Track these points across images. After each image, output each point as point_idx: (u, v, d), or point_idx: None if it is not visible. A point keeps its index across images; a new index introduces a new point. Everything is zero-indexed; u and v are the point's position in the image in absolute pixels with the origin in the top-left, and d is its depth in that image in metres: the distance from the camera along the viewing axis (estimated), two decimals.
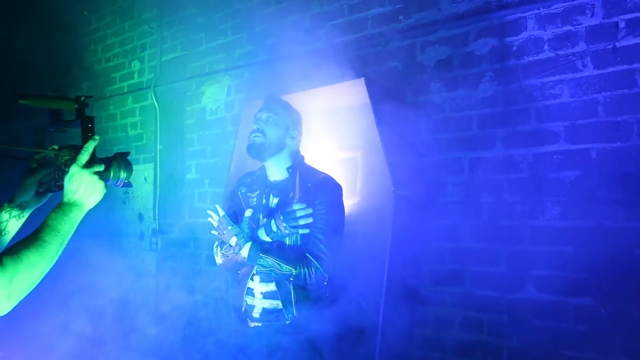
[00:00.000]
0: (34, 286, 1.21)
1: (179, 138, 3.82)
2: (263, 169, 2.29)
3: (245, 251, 2.02)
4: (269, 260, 2.00)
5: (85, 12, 4.71)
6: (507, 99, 2.32)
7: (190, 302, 3.46)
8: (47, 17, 5.13)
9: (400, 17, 2.67)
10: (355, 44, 2.84)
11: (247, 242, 2.03)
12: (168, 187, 3.86)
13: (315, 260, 1.97)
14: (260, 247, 2.04)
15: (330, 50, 2.91)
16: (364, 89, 2.58)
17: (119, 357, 3.23)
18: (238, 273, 2.27)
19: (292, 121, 2.24)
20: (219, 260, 2.20)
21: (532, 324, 2.20)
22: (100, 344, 3.27)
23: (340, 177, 2.79)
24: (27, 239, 1.22)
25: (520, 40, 2.30)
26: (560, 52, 2.20)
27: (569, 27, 2.18)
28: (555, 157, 2.19)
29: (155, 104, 3.93)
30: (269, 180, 2.24)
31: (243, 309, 2.20)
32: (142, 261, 3.98)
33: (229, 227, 2.07)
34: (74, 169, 1.33)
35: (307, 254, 1.99)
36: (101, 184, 1.37)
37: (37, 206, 1.55)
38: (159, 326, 3.34)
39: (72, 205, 1.32)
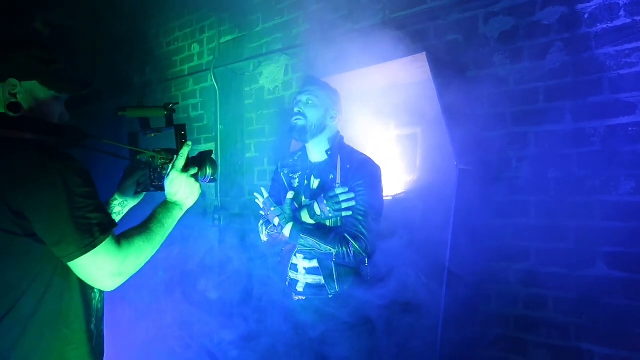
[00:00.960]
0: (139, 268, 1.37)
1: (239, 118, 3.93)
2: (304, 150, 2.32)
3: (287, 231, 2.09)
4: (310, 240, 2.06)
5: None
6: (577, 70, 2.23)
7: (250, 273, 3.59)
8: (111, 5, 5.37)
9: None
10: (414, 18, 2.79)
11: (288, 222, 2.10)
12: (229, 166, 3.99)
13: (354, 241, 2.00)
14: (301, 228, 2.09)
15: (389, 25, 2.88)
16: (424, 64, 2.55)
17: (189, 314, 3.46)
18: (282, 249, 2.35)
19: (331, 102, 2.24)
20: (264, 238, 2.28)
21: (603, 301, 2.15)
22: (173, 308, 3.51)
23: (399, 153, 2.80)
24: (139, 228, 1.41)
25: (593, 7, 2.19)
26: (637, 18, 2.07)
27: None
28: (630, 129, 2.09)
29: (215, 85, 4.05)
30: (310, 161, 2.28)
31: (287, 282, 2.28)
32: (205, 236, 4.16)
33: (272, 208, 2.15)
34: (174, 174, 1.50)
35: (346, 235, 2.03)
36: (197, 185, 1.54)
37: (136, 203, 1.76)
38: (221, 293, 3.53)
39: (174, 204, 1.51)
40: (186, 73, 4.45)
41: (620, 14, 2.12)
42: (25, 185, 1.19)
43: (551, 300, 2.29)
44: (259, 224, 2.27)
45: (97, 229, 1.26)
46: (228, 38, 4.01)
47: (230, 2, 3.97)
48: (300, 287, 2.17)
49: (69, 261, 1.24)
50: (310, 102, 2.18)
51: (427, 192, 2.61)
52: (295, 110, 2.20)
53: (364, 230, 2.01)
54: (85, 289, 1.35)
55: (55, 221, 1.21)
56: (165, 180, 1.53)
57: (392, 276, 2.10)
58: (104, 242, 1.26)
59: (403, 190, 2.74)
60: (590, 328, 2.18)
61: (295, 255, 2.19)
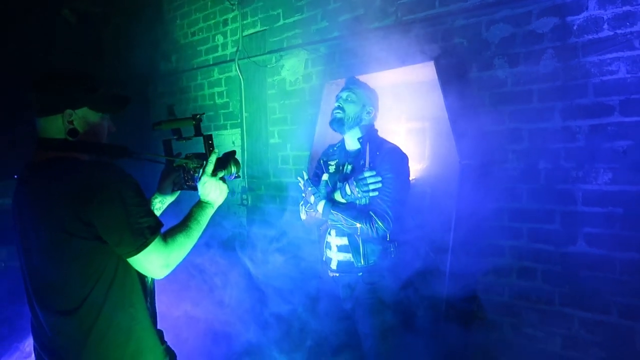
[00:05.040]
0: (182, 260, 1.68)
1: (262, 106, 4.28)
2: (343, 141, 2.70)
3: (320, 207, 2.48)
4: (339, 216, 2.43)
5: None
6: (566, 75, 2.55)
7: (276, 249, 4.02)
8: None
9: None
10: (423, 22, 3.08)
11: (321, 200, 2.49)
12: (254, 150, 4.36)
13: (378, 218, 2.34)
14: (332, 205, 2.46)
15: (400, 27, 3.18)
16: (432, 66, 2.88)
17: (222, 285, 3.89)
18: (320, 229, 2.75)
19: (368, 99, 2.61)
20: (303, 216, 2.67)
21: (582, 273, 2.54)
22: (207, 280, 3.95)
23: (410, 144, 3.17)
24: (180, 226, 1.69)
25: (581, 20, 2.49)
26: (618, 31, 2.38)
27: (628, 7, 2.35)
28: (609, 128, 2.43)
29: (240, 75, 4.38)
30: (346, 149, 2.66)
31: (324, 258, 2.68)
32: (234, 214, 4.59)
33: (309, 188, 2.54)
34: (205, 178, 1.78)
35: (371, 212, 2.36)
36: (225, 186, 1.83)
37: (173, 200, 2.07)
38: (252, 267, 3.96)
39: (207, 203, 1.80)
40: (211, 63, 4.77)
41: (604, 27, 2.42)
42: (91, 200, 1.44)
43: (539, 272, 2.69)
44: (300, 204, 2.64)
45: (148, 231, 1.53)
46: (250, 31, 4.31)
47: None
48: (333, 265, 2.57)
49: (127, 258, 1.53)
50: (349, 98, 2.55)
51: (434, 180, 2.98)
52: (336, 104, 2.57)
53: (388, 210, 2.34)
54: (141, 276, 1.64)
55: (116, 227, 1.48)
56: (198, 184, 1.79)
57: (408, 252, 2.49)
58: (153, 242, 1.54)
59: (413, 178, 3.11)
60: (572, 295, 2.59)
61: (329, 233, 2.58)
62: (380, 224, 2.34)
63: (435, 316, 2.77)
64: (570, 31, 2.53)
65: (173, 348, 1.79)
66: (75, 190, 1.45)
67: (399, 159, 2.45)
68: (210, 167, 1.80)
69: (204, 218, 1.76)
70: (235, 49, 4.43)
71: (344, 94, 2.60)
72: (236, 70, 4.40)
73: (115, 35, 6.08)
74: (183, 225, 1.70)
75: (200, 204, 1.78)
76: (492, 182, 2.79)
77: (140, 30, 5.60)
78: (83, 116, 1.58)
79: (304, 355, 3.00)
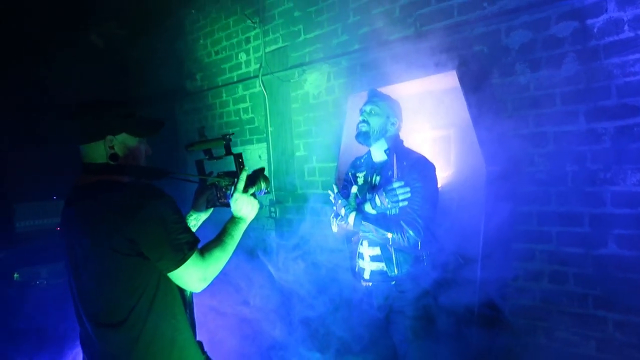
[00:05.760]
0: (218, 273, 1.76)
1: (287, 120, 4.38)
2: (369, 153, 2.77)
3: (351, 219, 2.52)
4: (370, 226, 2.47)
5: (192, 11, 5.33)
6: (589, 77, 2.56)
7: (305, 259, 4.09)
8: (159, 16, 5.84)
9: (485, 5, 2.93)
10: (442, 31, 3.13)
11: (352, 212, 2.53)
12: (281, 163, 4.46)
13: (409, 227, 2.38)
14: (363, 216, 2.51)
15: (419, 37, 3.24)
16: (453, 74, 2.93)
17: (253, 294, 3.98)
18: (351, 240, 2.80)
19: (391, 110, 2.67)
20: (334, 228, 2.73)
21: (615, 275, 2.53)
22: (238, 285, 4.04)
23: (435, 152, 3.21)
24: (215, 241, 1.78)
25: (601, 22, 2.50)
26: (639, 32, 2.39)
27: None
28: (635, 129, 2.43)
29: (264, 91, 4.50)
30: (373, 161, 2.72)
31: (356, 269, 2.73)
32: (262, 227, 4.69)
33: (339, 201, 2.60)
34: (237, 195, 1.86)
35: (402, 222, 2.41)
36: (256, 201, 1.92)
37: (207, 216, 2.16)
38: (281, 277, 4.04)
39: (240, 219, 1.88)
40: (235, 80, 4.91)
41: (624, 28, 2.43)
42: (134, 219, 1.54)
43: (571, 275, 2.69)
44: (331, 217, 2.70)
45: (186, 247, 1.62)
46: (272, 48, 4.43)
47: (272, 14, 4.38)
48: (366, 274, 2.62)
49: (167, 272, 1.63)
50: (373, 111, 2.62)
51: (461, 186, 3.01)
52: (361, 118, 2.64)
53: (418, 219, 2.38)
54: (181, 289, 1.73)
55: (157, 244, 1.58)
56: (231, 200, 1.88)
57: (439, 259, 2.53)
58: (192, 257, 1.63)
59: (440, 185, 3.15)
60: (604, 298, 2.58)
61: (361, 243, 2.64)
62: (412, 233, 2.39)
63: (468, 321, 2.78)
64: (590, 34, 2.54)
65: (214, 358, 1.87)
66: (119, 211, 1.55)
67: (427, 168, 2.49)
68: (241, 185, 1.88)
69: (238, 233, 1.84)
70: (258, 65, 4.56)
71: (368, 108, 2.66)
72: (260, 86, 4.52)
73: (140, 57, 6.30)
74: (218, 240, 1.79)
75: (233, 220, 1.87)
76: (520, 186, 2.81)
77: (165, 51, 5.80)
78: (122, 141, 1.69)
79: None
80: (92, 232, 1.59)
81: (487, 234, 2.71)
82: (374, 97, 2.70)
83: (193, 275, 1.66)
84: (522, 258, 2.86)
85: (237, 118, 4.95)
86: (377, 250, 2.58)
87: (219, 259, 1.74)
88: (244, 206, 1.87)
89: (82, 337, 1.76)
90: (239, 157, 1.94)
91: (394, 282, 2.55)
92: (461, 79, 2.95)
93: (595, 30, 2.53)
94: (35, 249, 4.62)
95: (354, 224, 2.53)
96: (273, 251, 4.52)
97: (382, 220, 2.48)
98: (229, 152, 1.97)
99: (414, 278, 2.53)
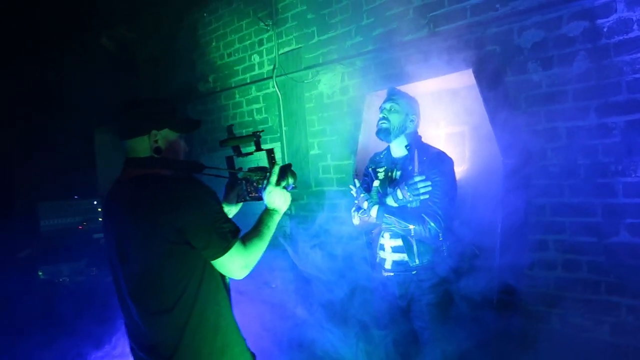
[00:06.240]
0: (257, 262, 1.84)
1: (301, 120, 4.49)
2: (388, 149, 2.89)
3: (373, 212, 2.63)
4: (393, 219, 2.59)
5: (204, 14, 5.44)
6: (599, 74, 2.69)
7: (323, 255, 4.21)
8: (170, 20, 5.95)
9: (497, 6, 3.05)
10: (455, 32, 3.26)
11: (374, 205, 2.65)
12: (295, 162, 4.57)
13: (430, 219, 2.50)
14: (385, 209, 2.63)
15: (433, 38, 3.36)
16: (467, 73, 3.05)
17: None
18: (372, 232, 2.92)
19: (410, 108, 2.80)
20: (356, 221, 2.84)
21: (627, 262, 2.66)
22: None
23: (450, 148, 3.33)
24: (253, 231, 1.87)
25: (611, 22, 2.63)
26: None
27: None
28: None
29: (277, 91, 4.62)
30: (393, 157, 2.84)
31: (377, 260, 2.85)
32: (279, 225, 4.79)
33: (362, 195, 2.71)
34: (270, 188, 1.94)
35: (423, 214, 2.53)
36: (288, 194, 2.00)
37: (237, 211, 2.24)
38: (299, 276, 4.16)
39: (274, 211, 1.96)
40: (248, 81, 5.02)
41: (634, 28, 2.56)
42: (182, 209, 1.63)
43: (584, 263, 2.81)
44: (352, 210, 2.82)
45: (230, 235, 1.71)
46: (286, 49, 4.54)
47: (286, 17, 4.49)
48: (388, 265, 2.74)
49: (212, 260, 1.71)
50: (392, 108, 2.74)
51: (475, 181, 3.14)
52: (381, 115, 2.76)
53: (439, 211, 2.51)
54: (222, 276, 1.81)
55: (203, 233, 1.67)
56: (264, 194, 1.95)
57: (458, 250, 2.65)
58: (235, 245, 1.72)
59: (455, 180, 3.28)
60: (618, 284, 2.70)
61: (382, 236, 2.76)
62: (433, 225, 2.51)
63: (486, 309, 2.91)
64: (600, 33, 2.67)
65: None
66: (168, 202, 1.64)
67: (446, 162, 2.62)
68: (274, 178, 1.95)
69: (273, 224, 1.93)
70: (271, 66, 4.67)
71: (387, 105, 2.78)
72: (274, 87, 4.64)
73: (151, 59, 6.41)
74: (256, 230, 1.87)
75: (268, 212, 1.95)
76: (534, 179, 2.93)
77: (177, 54, 5.90)
78: (165, 136, 1.79)
79: (366, 344, 3.18)
80: (143, 222, 1.66)
81: (503, 224, 2.83)
82: (394, 95, 2.82)
83: (236, 263, 1.75)
84: (536, 248, 2.98)
85: (251, 118, 5.06)
86: (398, 242, 2.69)
87: (259, 248, 1.83)
88: (277, 198, 1.95)
89: (129, 327, 1.84)
90: (270, 152, 2.03)
91: (414, 272, 2.66)
92: (477, 78, 3.08)
93: (605, 29, 2.66)
94: (58, 248, 4.72)
95: (376, 216, 2.64)
96: (290, 248, 4.63)
97: (404, 213, 2.60)
98: (259, 147, 2.05)
99: (434, 268, 2.65)
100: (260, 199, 2.03)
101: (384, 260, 2.78)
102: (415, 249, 2.64)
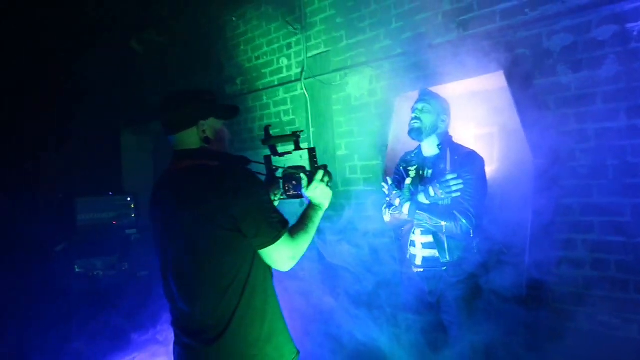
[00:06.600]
0: (302, 255, 1.88)
1: (329, 121, 4.60)
2: (419, 148, 2.98)
3: (405, 209, 2.73)
4: (424, 215, 2.68)
5: (233, 18, 5.59)
6: (629, 77, 2.75)
7: (352, 254, 4.30)
8: (199, 24, 6.12)
9: (527, 10, 3.13)
10: (485, 36, 3.33)
11: (407, 202, 2.74)
12: (322, 163, 4.67)
13: (462, 216, 2.58)
14: (417, 206, 2.72)
15: (462, 42, 3.44)
16: (496, 76, 3.13)
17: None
18: (402, 229, 3.01)
19: (442, 108, 2.89)
20: (387, 218, 2.93)
21: None
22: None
23: (479, 149, 3.41)
24: (299, 224, 1.92)
25: None
26: None
27: None
28: None
29: (305, 93, 4.73)
30: (424, 155, 2.93)
31: (408, 256, 2.94)
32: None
33: (394, 192, 2.80)
34: (316, 184, 2.01)
35: (455, 211, 2.61)
36: (330, 191, 2.07)
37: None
38: (328, 267, 4.25)
39: (318, 206, 2.02)
40: (276, 83, 5.14)
41: None
42: (236, 197, 1.69)
43: (613, 263, 2.87)
44: (383, 207, 2.92)
45: (280, 225, 1.77)
46: (314, 52, 4.66)
47: (315, 21, 4.61)
48: (418, 261, 2.83)
49: (261, 249, 1.75)
50: (424, 109, 2.83)
51: (504, 181, 3.21)
52: (413, 115, 2.85)
53: (470, 208, 2.59)
54: (268, 267, 1.84)
55: (254, 221, 1.72)
56: (309, 190, 2.01)
57: (488, 247, 2.73)
58: (284, 235, 1.77)
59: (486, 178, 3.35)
60: None
61: (413, 232, 2.85)
62: (464, 222, 2.59)
63: (514, 307, 2.98)
64: (630, 37, 2.73)
65: None
66: (222, 190, 1.69)
67: (477, 161, 2.70)
68: (319, 176, 2.04)
69: (317, 219, 1.99)
70: (299, 69, 4.79)
71: (420, 105, 2.88)
72: (302, 89, 4.75)
73: (179, 62, 6.58)
74: (302, 224, 1.93)
75: (313, 207, 2.02)
76: (563, 179, 2.99)
77: (204, 56, 6.06)
78: (212, 125, 1.85)
79: (398, 339, 3.26)
80: (198, 209, 1.71)
81: (533, 223, 2.90)
82: (426, 96, 2.91)
83: (284, 253, 1.79)
84: (564, 247, 3.04)
85: (278, 120, 5.19)
86: (429, 238, 2.78)
87: (305, 241, 1.88)
88: (323, 194, 2.02)
89: (174, 313, 1.89)
90: (312, 151, 2.13)
91: (444, 268, 2.75)
92: (508, 80, 3.15)
93: (635, 33, 2.72)
94: (92, 242, 4.89)
95: (408, 212, 2.73)
96: (315, 246, 4.73)
97: (436, 210, 2.68)
98: (298, 147, 2.14)
99: (464, 264, 2.73)
100: (298, 197, 2.10)
101: (414, 256, 2.86)
102: (446, 245, 2.72)
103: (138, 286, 4.45)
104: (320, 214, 2.02)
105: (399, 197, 2.78)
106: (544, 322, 3.03)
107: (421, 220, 2.71)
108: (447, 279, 2.76)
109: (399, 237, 3.03)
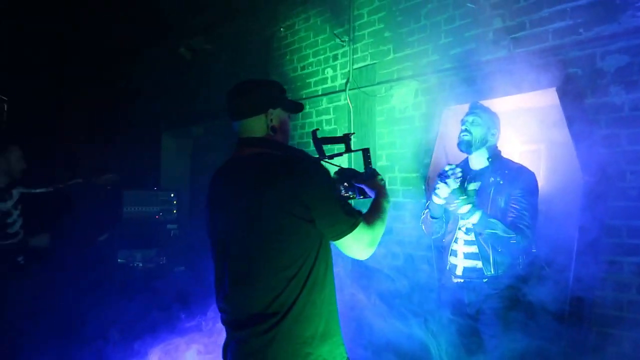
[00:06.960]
0: (378, 243, 1.86)
1: (371, 132, 4.66)
2: (466, 160, 3.00)
3: (475, 218, 2.64)
4: (499, 225, 2.58)
5: (281, 29, 5.76)
6: None
7: (392, 265, 4.31)
8: (247, 33, 6.31)
9: (581, 30, 3.14)
10: (536, 54, 3.35)
11: (477, 211, 2.66)
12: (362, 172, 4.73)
13: (527, 230, 2.59)
14: (488, 214, 2.66)
15: (512, 59, 3.47)
16: (544, 93, 3.14)
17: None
18: (443, 241, 3.02)
19: (492, 122, 2.91)
20: (427, 229, 2.95)
21: None
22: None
23: (526, 165, 3.41)
24: (372, 213, 1.89)
25: None
26: None
27: None
28: None
29: (349, 104, 4.82)
30: (471, 168, 2.95)
31: (448, 267, 2.94)
32: None
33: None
34: (380, 178, 2.10)
35: (520, 225, 2.61)
36: (385, 188, 2.10)
37: None
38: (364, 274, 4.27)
39: (384, 198, 2.03)
40: (320, 93, 5.25)
41: None
42: (310, 186, 1.68)
43: None
44: (422, 217, 2.96)
45: (356, 213, 1.75)
46: (360, 65, 4.75)
47: (362, 34, 4.72)
48: (459, 271, 2.84)
49: (338, 239, 1.71)
50: (475, 122, 2.87)
51: (551, 198, 3.19)
52: (462, 128, 2.89)
53: (529, 223, 2.59)
54: (330, 258, 1.80)
55: (331, 210, 1.69)
56: (374, 183, 2.06)
57: (532, 263, 2.72)
58: (361, 222, 1.74)
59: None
60: None
61: (455, 241, 2.86)
62: (529, 235, 2.59)
63: (554, 324, 2.94)
64: None
65: None
66: (295, 178, 1.68)
67: (530, 176, 2.72)
68: (378, 175, 2.11)
69: (387, 210, 1.96)
70: (344, 80, 4.89)
71: (470, 118, 2.91)
72: (345, 99, 4.84)
73: (225, 69, 6.78)
74: (375, 212, 1.90)
75: (383, 196, 2.01)
76: (612, 199, 2.96)
77: (250, 65, 6.23)
78: (278, 115, 1.87)
79: (435, 349, 3.26)
80: (268, 195, 1.68)
81: (579, 242, 2.87)
82: (476, 109, 2.95)
83: (363, 240, 1.75)
84: (609, 269, 2.99)
85: (319, 129, 5.27)
86: (473, 248, 2.78)
87: (381, 227, 1.86)
88: (382, 189, 2.05)
89: (225, 307, 1.82)
90: (367, 151, 2.19)
91: (486, 280, 2.74)
92: (560, 97, 3.15)
93: None
94: (135, 234, 5.04)
95: (478, 222, 2.63)
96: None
97: (505, 222, 2.63)
98: (349, 149, 2.18)
99: (507, 278, 2.72)
100: (352, 197, 2.14)
101: (454, 266, 2.87)
102: (491, 258, 2.72)
103: (175, 279, 4.57)
104: (387, 207, 1.98)
105: (467, 204, 2.66)
106: (585, 342, 2.97)
107: (491, 229, 2.59)
108: (487, 291, 2.75)
109: (440, 248, 3.04)
